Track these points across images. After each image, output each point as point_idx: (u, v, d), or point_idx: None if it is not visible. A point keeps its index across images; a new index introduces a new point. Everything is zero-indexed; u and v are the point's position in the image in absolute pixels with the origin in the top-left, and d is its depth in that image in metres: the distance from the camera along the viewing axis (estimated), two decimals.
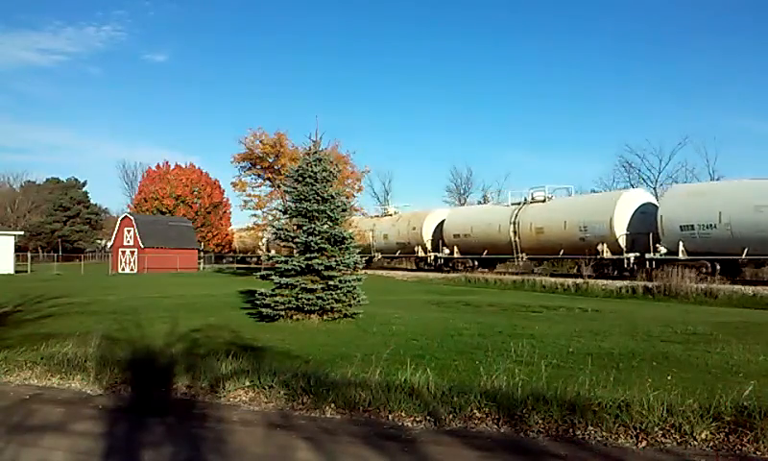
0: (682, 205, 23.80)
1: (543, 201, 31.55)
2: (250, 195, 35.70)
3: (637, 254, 25.66)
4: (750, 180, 22.87)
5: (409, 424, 5.44)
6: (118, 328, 11.59)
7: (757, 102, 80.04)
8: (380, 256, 43.05)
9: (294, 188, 13.64)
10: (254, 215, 36.72)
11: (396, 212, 43.78)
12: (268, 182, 35.98)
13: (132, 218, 49.69)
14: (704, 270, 22.32)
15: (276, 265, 13.27)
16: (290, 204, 13.93)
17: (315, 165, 13.52)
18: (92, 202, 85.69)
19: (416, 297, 20.95)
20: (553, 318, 14.04)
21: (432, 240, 38.19)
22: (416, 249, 39.12)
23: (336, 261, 12.99)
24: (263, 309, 12.87)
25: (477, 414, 5.46)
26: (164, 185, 61.27)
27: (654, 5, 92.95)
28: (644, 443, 4.80)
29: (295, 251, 13.51)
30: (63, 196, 79.36)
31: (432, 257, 37.98)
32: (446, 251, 36.14)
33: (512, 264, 33.52)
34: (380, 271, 38.44)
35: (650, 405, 5.07)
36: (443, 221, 37.49)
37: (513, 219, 31.65)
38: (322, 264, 12.72)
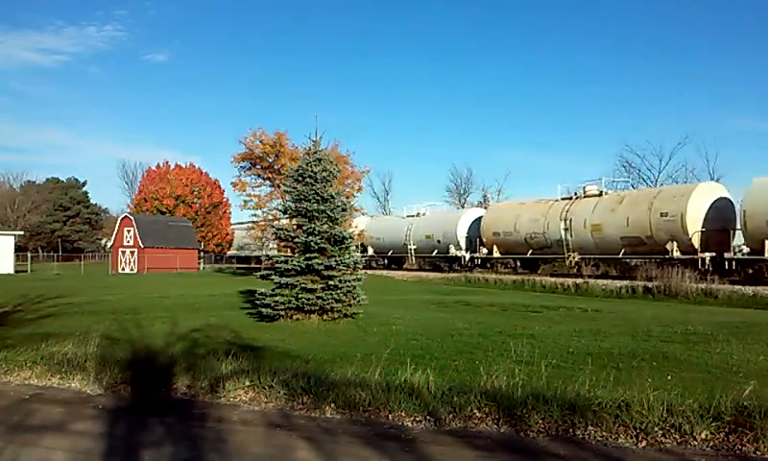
0: None
1: None
2: (250, 195, 35.77)
3: None
4: None
5: (409, 424, 5.44)
6: (118, 328, 11.59)
7: (758, 102, 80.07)
8: (577, 258, 28.04)
9: (294, 188, 13.64)
10: (254, 215, 36.79)
11: (604, 192, 28.64)
12: (268, 182, 36.03)
13: (131, 218, 49.68)
14: None
15: (276, 265, 13.28)
16: (290, 204, 13.92)
17: (315, 165, 13.52)
18: (92, 202, 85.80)
19: (416, 297, 20.95)
20: (553, 318, 14.04)
21: (703, 232, 23.43)
22: (668, 246, 24.12)
23: (336, 261, 12.99)
24: (263, 309, 12.87)
25: (477, 414, 5.46)
26: (164, 185, 61.25)
27: (654, 5, 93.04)
28: (644, 443, 4.80)
29: (295, 250, 13.52)
30: (63, 196, 79.39)
31: (706, 259, 23.00)
32: (745, 249, 22.72)
33: None
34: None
35: (650, 405, 5.07)
36: (718, 200, 24.00)
37: None
38: (322, 264, 12.73)
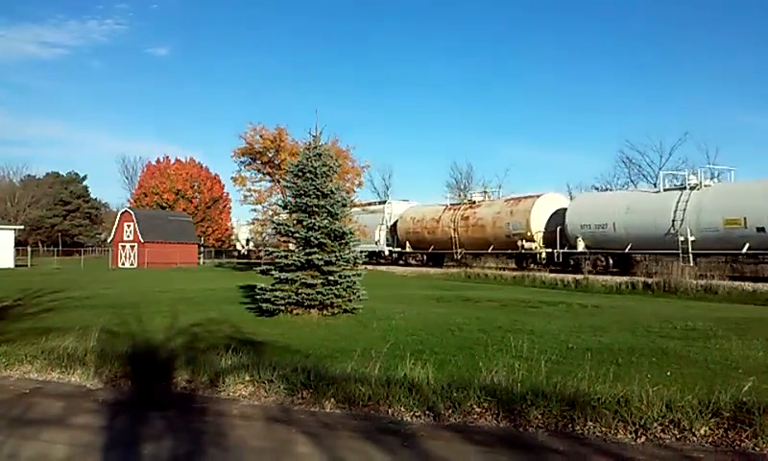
0: None
1: None
2: (250, 190, 35.67)
3: None
4: None
5: (408, 419, 5.45)
6: (118, 323, 11.60)
7: (758, 98, 79.84)
8: None
9: (294, 183, 13.63)
10: (254, 210, 36.75)
11: None
12: (268, 177, 35.94)
13: (131, 213, 49.66)
14: None
15: (276, 260, 13.29)
16: (290, 199, 13.91)
17: (315, 160, 13.50)
18: (92, 196, 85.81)
19: (415, 292, 20.95)
20: (553, 313, 14.05)
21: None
22: None
23: (336, 256, 13.00)
24: (263, 304, 12.89)
25: (477, 409, 5.46)
26: (164, 180, 61.26)
27: (654, 2, 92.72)
28: (643, 438, 4.81)
29: (294, 245, 13.53)
30: (63, 190, 79.38)
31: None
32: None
33: None
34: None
35: (649, 401, 5.07)
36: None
37: None
38: (321, 259, 12.73)
